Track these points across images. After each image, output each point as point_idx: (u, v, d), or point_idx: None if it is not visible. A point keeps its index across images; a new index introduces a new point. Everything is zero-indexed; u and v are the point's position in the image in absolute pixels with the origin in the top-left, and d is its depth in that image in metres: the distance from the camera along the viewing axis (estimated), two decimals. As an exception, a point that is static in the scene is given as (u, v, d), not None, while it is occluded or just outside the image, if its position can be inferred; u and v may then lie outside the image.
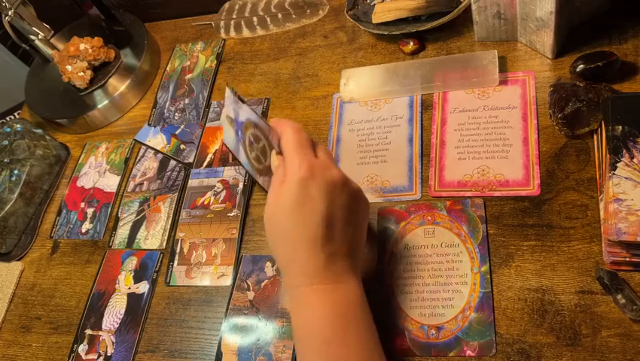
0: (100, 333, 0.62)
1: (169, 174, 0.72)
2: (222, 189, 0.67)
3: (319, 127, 0.68)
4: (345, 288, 0.47)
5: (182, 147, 0.74)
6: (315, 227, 0.45)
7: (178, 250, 0.65)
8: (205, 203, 0.67)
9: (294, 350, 0.54)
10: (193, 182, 0.70)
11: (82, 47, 0.80)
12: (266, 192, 0.53)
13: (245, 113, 0.54)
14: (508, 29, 0.64)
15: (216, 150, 0.72)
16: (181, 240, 0.65)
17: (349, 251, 0.48)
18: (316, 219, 0.45)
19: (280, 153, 0.48)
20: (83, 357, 0.62)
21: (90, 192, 0.75)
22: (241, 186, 0.67)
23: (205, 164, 0.71)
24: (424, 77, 0.65)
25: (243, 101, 0.53)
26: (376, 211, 0.59)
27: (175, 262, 0.64)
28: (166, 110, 0.79)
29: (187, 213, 0.67)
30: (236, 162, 0.69)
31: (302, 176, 0.45)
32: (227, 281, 0.61)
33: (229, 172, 0.68)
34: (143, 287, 0.64)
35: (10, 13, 0.76)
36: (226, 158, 0.70)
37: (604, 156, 0.49)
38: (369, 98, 0.68)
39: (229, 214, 0.65)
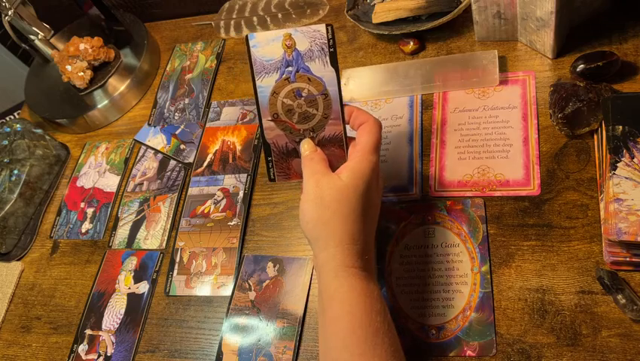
0: (100, 333, 0.62)
1: (168, 174, 0.72)
2: (222, 198, 0.67)
3: (319, 127, 0.68)
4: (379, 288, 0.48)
5: (182, 147, 0.74)
6: (375, 216, 0.49)
7: (177, 260, 0.64)
8: (205, 212, 0.67)
9: (294, 351, 0.54)
10: (192, 190, 0.69)
11: (82, 46, 0.80)
12: (261, 124, 0.49)
13: (323, 73, 0.48)
14: (508, 29, 0.64)
15: (216, 150, 0.71)
16: (181, 249, 0.65)
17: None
18: (377, 210, 0.49)
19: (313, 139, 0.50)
20: (83, 357, 0.62)
21: (90, 192, 0.75)
22: (241, 194, 0.66)
23: (205, 164, 0.71)
24: (424, 77, 0.65)
25: (333, 54, 0.47)
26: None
27: (175, 272, 0.64)
28: (166, 110, 0.79)
29: (186, 221, 0.67)
30: (236, 169, 0.69)
31: (377, 167, 0.48)
32: (227, 291, 0.60)
33: (229, 180, 0.68)
34: (143, 287, 0.64)
35: (10, 13, 0.76)
36: (226, 159, 0.70)
37: (605, 156, 0.49)
38: (369, 98, 0.68)
39: (229, 223, 0.65)
